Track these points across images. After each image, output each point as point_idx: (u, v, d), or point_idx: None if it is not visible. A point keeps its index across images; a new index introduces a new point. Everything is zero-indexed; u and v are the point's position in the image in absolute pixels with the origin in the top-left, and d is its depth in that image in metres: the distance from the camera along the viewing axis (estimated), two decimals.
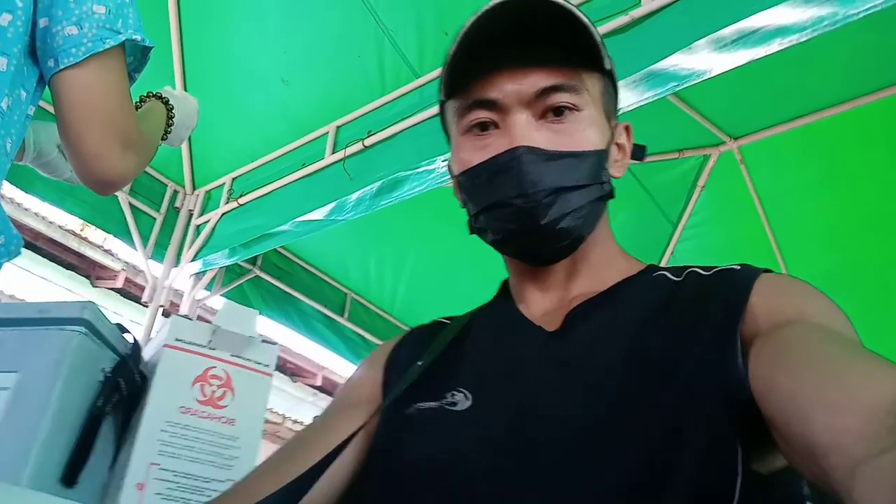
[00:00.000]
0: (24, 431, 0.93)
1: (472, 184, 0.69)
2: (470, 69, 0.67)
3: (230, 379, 1.13)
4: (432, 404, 0.64)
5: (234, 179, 3.01)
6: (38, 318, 1.01)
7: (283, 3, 2.43)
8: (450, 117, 0.73)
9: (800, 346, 0.50)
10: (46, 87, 0.94)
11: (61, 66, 0.89)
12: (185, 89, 2.67)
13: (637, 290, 0.67)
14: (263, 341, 1.17)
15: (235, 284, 3.21)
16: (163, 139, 1.22)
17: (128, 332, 1.11)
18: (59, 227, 5.68)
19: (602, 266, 0.71)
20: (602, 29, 1.98)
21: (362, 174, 2.41)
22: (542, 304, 0.70)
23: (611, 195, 0.69)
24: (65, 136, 0.92)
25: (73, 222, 5.69)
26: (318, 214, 2.50)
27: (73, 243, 5.82)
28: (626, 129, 0.75)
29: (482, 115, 0.67)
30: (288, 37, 2.53)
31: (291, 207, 2.62)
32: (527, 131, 0.65)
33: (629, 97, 1.90)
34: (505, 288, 0.78)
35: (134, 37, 0.94)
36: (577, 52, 0.66)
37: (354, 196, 2.39)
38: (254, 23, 2.51)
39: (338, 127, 2.67)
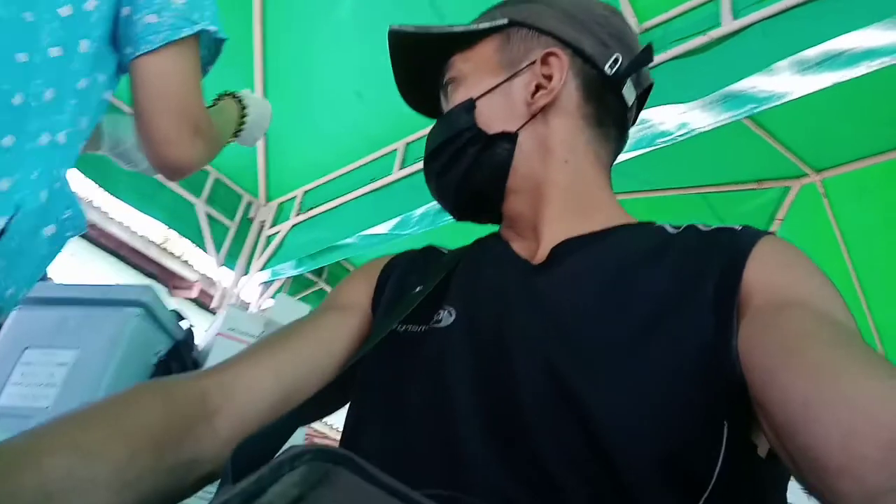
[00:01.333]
0: (78, 405, 0.96)
1: None
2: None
3: None
4: (422, 328, 0.65)
5: (305, 192, 3.08)
6: (101, 299, 1.05)
7: (361, 20, 2.48)
8: None
9: (806, 343, 0.47)
10: (122, 75, 0.98)
11: (138, 53, 0.93)
12: None
13: (630, 236, 0.66)
14: None
15: (301, 295, 3.26)
16: (236, 136, 1.26)
17: (184, 318, 1.13)
18: (142, 237, 5.92)
19: (578, 210, 0.70)
20: (679, 49, 1.94)
21: (426, 191, 2.41)
22: (528, 247, 0.71)
23: (486, 137, 0.70)
24: (138, 119, 0.95)
25: (155, 233, 5.93)
26: (382, 228, 2.52)
27: (153, 253, 6.05)
28: (546, 56, 0.72)
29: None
30: (365, 52, 2.58)
31: (358, 221, 2.66)
32: None
33: (705, 118, 1.84)
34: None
35: (209, 28, 0.97)
36: (438, 50, 0.76)
37: (419, 211, 2.40)
38: (333, 38, 2.58)
39: (407, 143, 2.69)
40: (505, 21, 0.74)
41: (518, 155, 0.70)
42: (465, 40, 0.75)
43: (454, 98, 0.74)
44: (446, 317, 0.64)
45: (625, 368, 0.52)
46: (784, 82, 1.73)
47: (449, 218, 2.53)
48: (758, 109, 1.80)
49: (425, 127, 2.69)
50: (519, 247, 0.71)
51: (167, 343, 1.08)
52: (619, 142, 0.76)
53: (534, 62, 0.72)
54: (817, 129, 2.49)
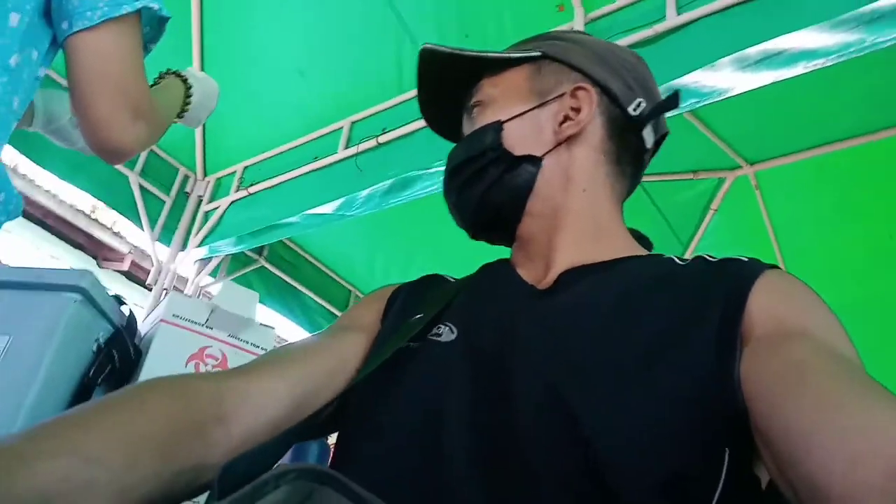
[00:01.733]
0: (11, 396, 0.92)
1: None
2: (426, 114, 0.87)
3: (226, 359, 1.11)
4: (420, 343, 0.66)
5: (245, 168, 3.01)
6: (34, 283, 1.00)
7: None
8: None
9: (810, 374, 0.48)
10: (59, 50, 0.94)
11: (75, 29, 0.88)
12: None
13: (637, 265, 0.67)
14: (261, 325, 1.16)
15: (240, 273, 3.20)
16: (179, 117, 1.22)
17: (125, 303, 1.09)
18: (70, 205, 5.70)
19: (590, 239, 0.72)
20: (626, 41, 1.96)
21: (374, 171, 2.40)
22: (536, 272, 0.72)
23: (510, 157, 0.73)
24: (75, 100, 0.91)
25: (84, 202, 5.71)
26: (327, 208, 2.49)
27: (82, 223, 5.83)
28: (575, 90, 0.75)
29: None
30: (308, 30, 2.53)
31: (301, 200, 2.62)
32: None
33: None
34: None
35: (151, 5, 0.93)
36: (471, 73, 0.79)
37: (364, 192, 2.38)
38: (274, 14, 2.51)
39: (352, 122, 2.66)
40: (538, 53, 0.77)
41: (540, 179, 0.73)
42: (497, 66, 0.78)
43: (480, 119, 0.76)
44: (447, 332, 0.66)
45: (626, 393, 0.53)
46: (726, 78, 1.77)
47: (396, 200, 2.50)
48: (700, 104, 1.84)
49: (371, 106, 2.65)
50: (526, 272, 0.73)
51: (108, 329, 1.04)
52: (634, 180, 0.78)
53: (563, 94, 0.75)
54: (752, 122, 2.58)
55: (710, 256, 0.65)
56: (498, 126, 0.74)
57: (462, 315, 0.68)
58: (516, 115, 0.74)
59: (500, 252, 0.80)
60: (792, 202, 2.84)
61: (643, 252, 0.72)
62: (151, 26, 1.00)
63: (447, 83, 0.81)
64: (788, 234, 2.92)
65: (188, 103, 1.20)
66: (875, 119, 2.45)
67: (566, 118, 0.74)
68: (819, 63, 1.63)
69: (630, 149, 0.76)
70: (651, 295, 0.61)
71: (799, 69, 1.65)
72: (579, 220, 0.72)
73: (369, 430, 0.62)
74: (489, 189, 0.73)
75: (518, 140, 0.73)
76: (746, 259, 0.62)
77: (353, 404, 0.65)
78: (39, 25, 0.91)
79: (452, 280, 0.81)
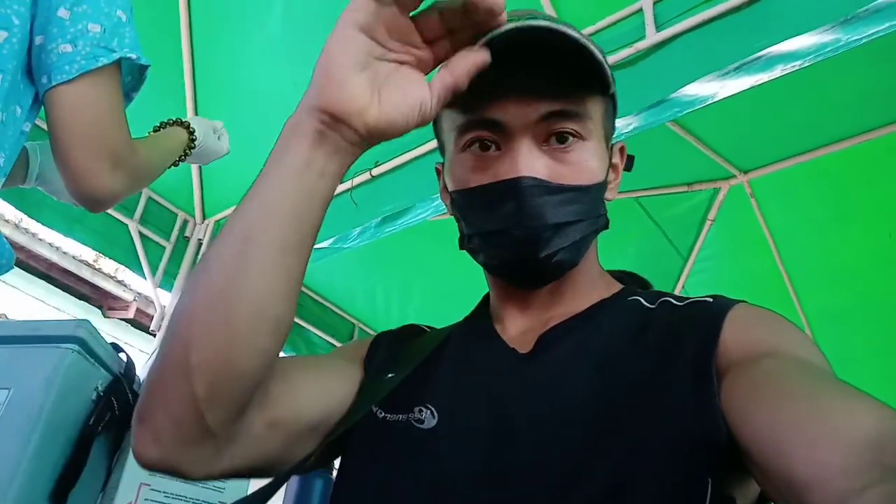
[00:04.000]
0: (12, 448, 0.92)
1: (469, 205, 0.69)
2: (475, 87, 0.63)
3: None
4: (400, 417, 0.65)
5: None
6: (31, 336, 1.01)
7: (295, 37, 2.46)
8: (447, 126, 0.72)
9: (777, 379, 0.50)
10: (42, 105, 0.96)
11: (54, 83, 0.90)
12: None
13: (610, 315, 0.67)
14: None
15: None
16: (185, 157, 1.25)
17: (122, 351, 1.10)
18: (73, 257, 5.73)
19: (584, 289, 0.71)
20: (608, 60, 1.98)
21: (369, 204, 2.42)
22: (519, 325, 0.71)
23: (605, 226, 0.70)
24: (55, 151, 0.93)
25: (87, 253, 5.74)
26: (323, 243, 2.51)
27: (86, 274, 5.86)
28: (621, 149, 0.76)
29: (484, 134, 0.66)
30: (299, 70, 2.55)
31: None
32: (529, 159, 0.63)
33: (631, 122, 1.90)
34: (484, 303, 0.78)
35: (129, 55, 0.95)
36: (585, 78, 0.64)
37: (359, 228, 2.40)
38: (265, 56, 2.55)
39: None
40: (613, 90, 0.68)
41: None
42: (604, 87, 0.65)
43: (580, 157, 0.65)
44: (428, 417, 0.64)
45: (615, 445, 0.54)
46: (706, 86, 1.80)
47: (391, 229, 2.51)
48: (682, 113, 1.86)
49: None
50: (503, 327, 0.72)
51: (106, 378, 1.05)
52: None
53: (612, 146, 0.73)
54: (742, 132, 2.59)
55: (675, 300, 0.66)
56: (603, 187, 0.69)
57: (443, 393, 0.67)
58: (605, 177, 0.69)
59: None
60: (788, 208, 2.84)
61: (610, 292, 0.72)
62: (132, 76, 1.02)
63: (530, 70, 0.64)
64: (787, 240, 2.92)
65: (192, 146, 1.24)
66: (866, 119, 2.46)
67: (612, 174, 0.73)
68: (797, 65, 1.65)
69: None
70: (627, 351, 0.62)
71: (777, 72, 1.67)
72: (580, 278, 0.71)
73: None
74: (580, 250, 0.68)
75: (603, 199, 0.70)
76: (712, 299, 0.64)
77: (345, 470, 0.67)
78: (22, 83, 0.93)
79: (428, 330, 0.79)
